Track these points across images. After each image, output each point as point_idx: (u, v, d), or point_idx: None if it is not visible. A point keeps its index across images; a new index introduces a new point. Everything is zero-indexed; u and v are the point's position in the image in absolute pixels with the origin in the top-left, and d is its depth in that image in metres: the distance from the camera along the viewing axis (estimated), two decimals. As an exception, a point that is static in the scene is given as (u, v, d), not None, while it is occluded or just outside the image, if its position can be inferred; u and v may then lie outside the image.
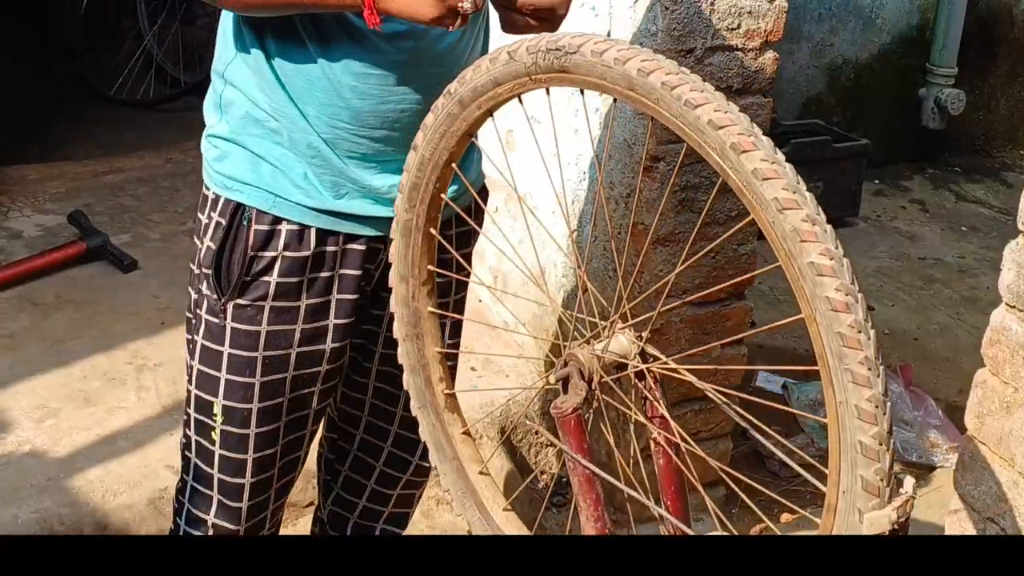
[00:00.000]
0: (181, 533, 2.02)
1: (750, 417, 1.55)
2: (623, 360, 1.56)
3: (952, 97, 5.98)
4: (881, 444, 1.17)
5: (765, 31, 2.67)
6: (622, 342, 1.57)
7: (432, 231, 1.71)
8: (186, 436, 1.97)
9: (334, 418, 2.18)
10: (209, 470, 1.94)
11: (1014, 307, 1.83)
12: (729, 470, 1.59)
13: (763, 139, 1.28)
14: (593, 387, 1.56)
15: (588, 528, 1.62)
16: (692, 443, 1.51)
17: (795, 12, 5.41)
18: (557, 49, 1.44)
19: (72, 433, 2.86)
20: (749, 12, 2.63)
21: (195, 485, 1.97)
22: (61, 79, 5.70)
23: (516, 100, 1.54)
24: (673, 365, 1.55)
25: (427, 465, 2.15)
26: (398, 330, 1.78)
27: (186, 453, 1.98)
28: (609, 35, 2.53)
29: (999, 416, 1.87)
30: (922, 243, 5.34)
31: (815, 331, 1.21)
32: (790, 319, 1.30)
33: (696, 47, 2.59)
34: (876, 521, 1.21)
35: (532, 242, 2.91)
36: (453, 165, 1.64)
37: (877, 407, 1.18)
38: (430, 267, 1.74)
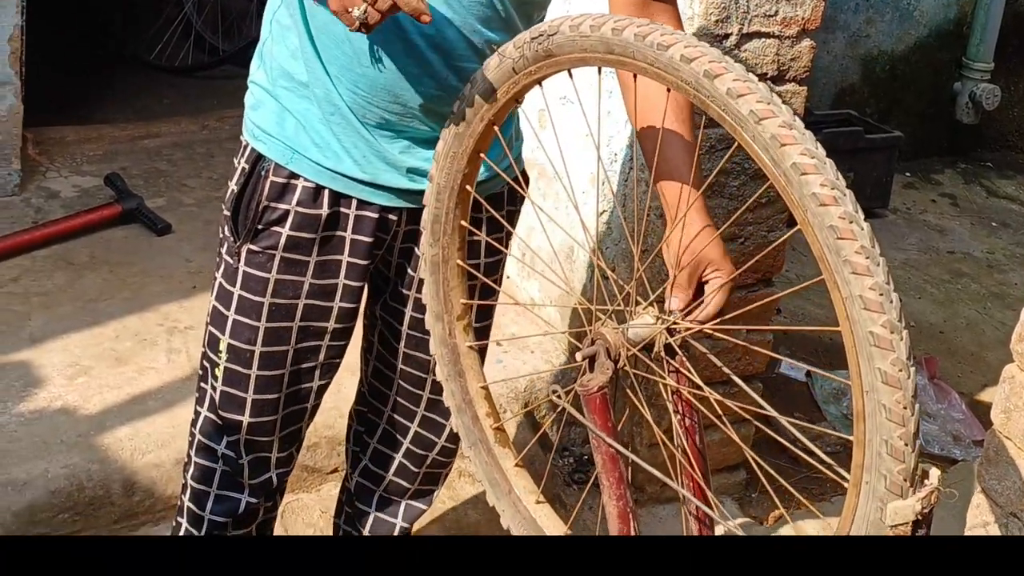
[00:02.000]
0: (192, 465, 2.06)
1: (758, 398, 1.56)
2: (650, 327, 1.57)
3: (987, 92, 5.94)
4: (893, 333, 1.17)
5: (802, 19, 2.67)
6: (648, 320, 1.59)
7: (460, 262, 1.72)
8: (202, 368, 2.02)
9: (364, 392, 2.21)
10: (214, 404, 1.99)
11: (1044, 303, 1.84)
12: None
13: (734, 64, 1.30)
14: (620, 365, 1.58)
15: (610, 506, 1.64)
16: (722, 398, 1.52)
17: (832, 1, 5.40)
18: (540, 35, 1.47)
19: (103, 391, 2.90)
20: (787, -1, 2.63)
21: (207, 416, 2.01)
22: (101, 44, 5.73)
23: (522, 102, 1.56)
24: (699, 327, 1.57)
25: (453, 447, 2.17)
26: (439, 372, 1.79)
27: (201, 385, 2.03)
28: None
29: (1025, 411, 1.88)
30: (951, 237, 5.32)
31: (810, 234, 1.22)
32: (814, 280, 1.30)
33: (732, 33, 2.60)
34: (900, 511, 1.21)
35: (544, 230, 2.91)
36: (469, 187, 1.66)
37: (882, 295, 1.17)
38: (463, 301, 1.75)
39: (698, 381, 1.56)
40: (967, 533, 2.01)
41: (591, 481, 2.78)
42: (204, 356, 2.00)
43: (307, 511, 2.88)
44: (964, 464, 3.37)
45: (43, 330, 3.14)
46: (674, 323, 1.58)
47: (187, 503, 2.08)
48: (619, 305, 1.60)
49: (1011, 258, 5.12)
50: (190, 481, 2.07)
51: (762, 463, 1.46)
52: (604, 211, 2.96)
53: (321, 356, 1.98)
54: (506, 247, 2.03)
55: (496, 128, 1.62)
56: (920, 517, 1.21)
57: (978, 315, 4.52)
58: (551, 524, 1.76)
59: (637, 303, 1.60)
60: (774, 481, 1.47)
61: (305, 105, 1.84)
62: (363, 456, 2.23)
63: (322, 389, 2.05)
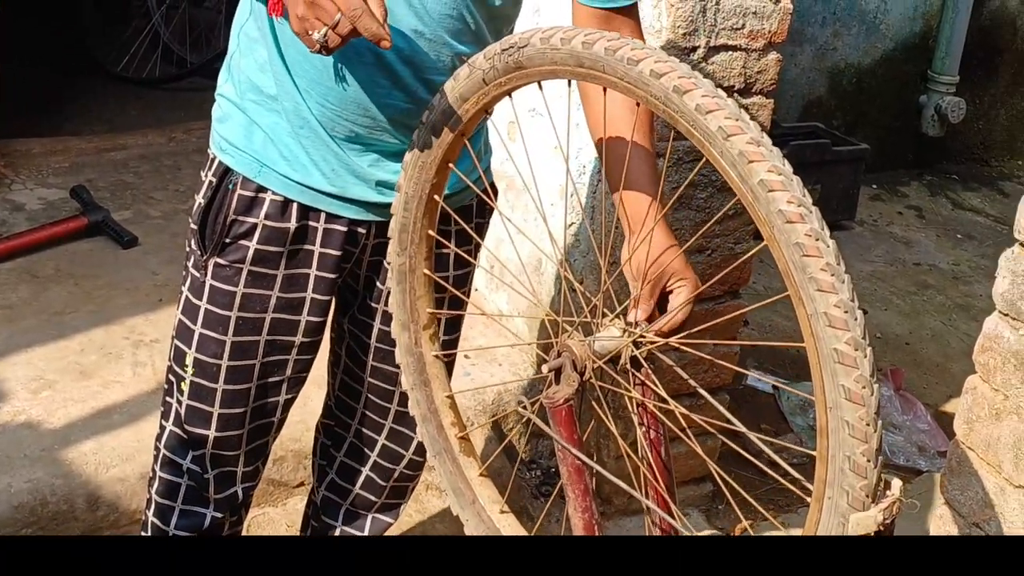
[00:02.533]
0: (157, 479, 2.04)
1: (726, 413, 1.56)
2: (616, 340, 1.57)
3: (952, 105, 6.00)
4: (857, 350, 1.18)
5: (769, 32, 2.69)
6: (614, 332, 1.59)
7: (427, 272, 1.72)
8: (168, 382, 2.01)
9: (331, 405, 2.20)
10: (179, 418, 1.98)
11: (1007, 315, 1.85)
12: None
13: (704, 80, 1.30)
14: (586, 377, 1.58)
15: (575, 518, 1.64)
16: (687, 412, 1.52)
17: (799, 15, 5.44)
18: (510, 47, 1.47)
19: (67, 405, 2.88)
20: (754, 13, 2.65)
21: (172, 430, 2.00)
22: (69, 55, 5.70)
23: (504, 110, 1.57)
24: (664, 341, 1.57)
25: (420, 460, 2.16)
26: (405, 381, 1.79)
27: (166, 399, 2.02)
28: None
29: (988, 422, 1.89)
30: (917, 249, 5.37)
31: (777, 251, 1.22)
32: (780, 296, 1.30)
33: (699, 46, 2.61)
34: (862, 522, 1.21)
35: (512, 241, 2.91)
36: (437, 197, 1.66)
37: (847, 312, 1.18)
38: (429, 310, 1.75)
39: (663, 394, 1.57)
40: (931, 544, 2.02)
41: (556, 490, 2.78)
42: (170, 370, 1.99)
43: (273, 525, 2.87)
44: (929, 475, 3.38)
45: (7, 343, 3.11)
46: (640, 336, 1.58)
47: (151, 518, 2.06)
48: (586, 317, 1.60)
49: (976, 270, 5.16)
50: (155, 496, 2.05)
51: (726, 477, 1.46)
52: (572, 223, 2.96)
53: (288, 370, 1.97)
54: (475, 259, 2.03)
55: (465, 139, 1.62)
56: (882, 528, 1.22)
57: (943, 326, 4.56)
58: (515, 533, 1.75)
59: (604, 315, 1.60)
60: (739, 494, 1.47)
61: (274, 119, 1.83)
62: (330, 470, 2.22)
63: (289, 403, 2.04)
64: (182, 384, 1.95)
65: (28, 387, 2.93)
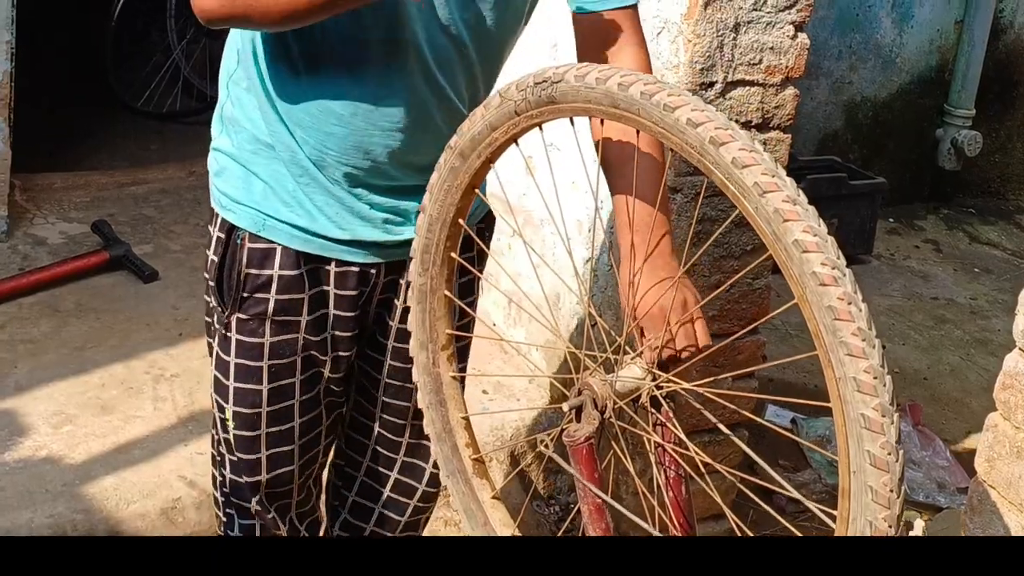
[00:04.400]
0: (225, 519, 2.07)
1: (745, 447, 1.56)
2: (637, 380, 1.57)
3: (969, 139, 6.00)
4: (884, 416, 1.17)
5: (786, 67, 2.70)
6: (635, 371, 1.59)
7: (447, 293, 1.73)
8: (214, 428, 2.02)
9: (341, 445, 2.19)
10: (234, 466, 1.99)
11: (1027, 353, 1.85)
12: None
13: (741, 132, 1.30)
14: (606, 416, 1.58)
15: (596, 555, 1.64)
16: (709, 460, 1.52)
17: (815, 49, 5.43)
18: (544, 81, 1.48)
19: (88, 440, 2.89)
20: (771, 48, 2.66)
21: (231, 477, 2.01)
22: (89, 90, 5.74)
23: (516, 144, 1.57)
24: (687, 385, 1.57)
25: (433, 491, 2.16)
26: (421, 399, 1.79)
27: (219, 448, 2.03)
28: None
29: (1009, 460, 1.89)
30: (935, 283, 5.35)
31: (807, 311, 1.22)
32: (804, 355, 1.31)
33: (717, 81, 2.63)
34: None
35: (536, 274, 2.92)
36: (461, 221, 1.67)
37: (876, 378, 1.17)
38: (448, 331, 1.76)
39: (682, 437, 1.57)
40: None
41: (567, 523, 2.77)
42: (214, 423, 2.01)
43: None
44: (949, 512, 3.37)
45: (29, 378, 3.13)
46: (666, 380, 1.58)
47: None
48: (608, 354, 1.60)
49: (994, 304, 5.14)
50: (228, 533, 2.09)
51: (737, 520, 1.46)
52: (591, 258, 2.97)
53: (324, 399, 1.99)
54: (480, 270, 2.04)
55: (492, 165, 1.63)
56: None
57: (961, 361, 4.54)
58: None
59: (625, 352, 1.60)
60: (754, 531, 1.47)
61: (274, 166, 1.82)
62: (342, 509, 2.21)
63: (329, 431, 2.06)
64: (227, 436, 1.97)
65: (50, 422, 2.95)
